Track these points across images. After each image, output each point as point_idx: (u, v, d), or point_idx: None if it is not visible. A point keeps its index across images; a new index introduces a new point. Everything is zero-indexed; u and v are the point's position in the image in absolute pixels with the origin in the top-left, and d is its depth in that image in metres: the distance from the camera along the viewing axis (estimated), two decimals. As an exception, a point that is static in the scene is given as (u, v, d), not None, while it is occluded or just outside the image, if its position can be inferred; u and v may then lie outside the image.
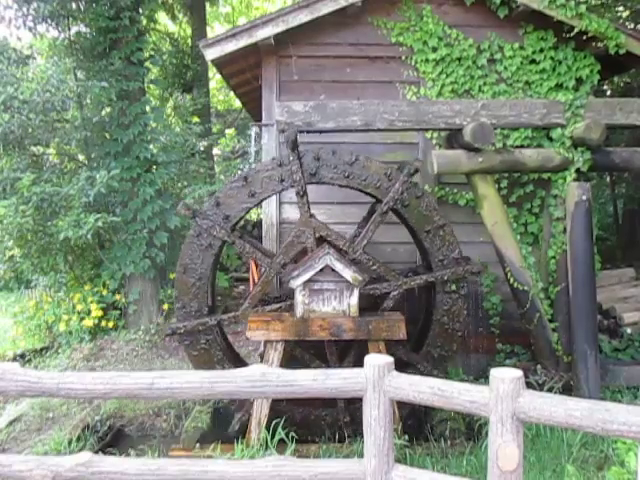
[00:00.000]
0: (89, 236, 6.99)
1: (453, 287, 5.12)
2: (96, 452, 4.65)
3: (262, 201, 5.39)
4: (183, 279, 5.05)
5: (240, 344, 7.58)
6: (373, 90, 6.48)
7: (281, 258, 5.05)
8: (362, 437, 4.82)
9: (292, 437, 4.60)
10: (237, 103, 16.01)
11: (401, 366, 4.00)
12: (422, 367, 5.10)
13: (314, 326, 4.81)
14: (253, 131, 7.37)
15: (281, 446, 4.58)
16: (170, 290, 8.24)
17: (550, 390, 5.21)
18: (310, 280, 4.77)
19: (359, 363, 2.97)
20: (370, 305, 5.19)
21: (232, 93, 11.95)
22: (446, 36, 6.38)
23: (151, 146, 8.13)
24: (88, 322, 7.75)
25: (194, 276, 5.03)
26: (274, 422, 4.72)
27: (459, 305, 5.16)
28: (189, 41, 14.48)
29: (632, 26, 10.26)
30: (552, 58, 6.34)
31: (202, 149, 11.35)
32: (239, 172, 12.07)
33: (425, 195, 5.11)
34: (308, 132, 5.35)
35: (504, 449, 2.50)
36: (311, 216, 5.04)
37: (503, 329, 6.52)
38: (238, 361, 5.52)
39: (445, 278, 5.07)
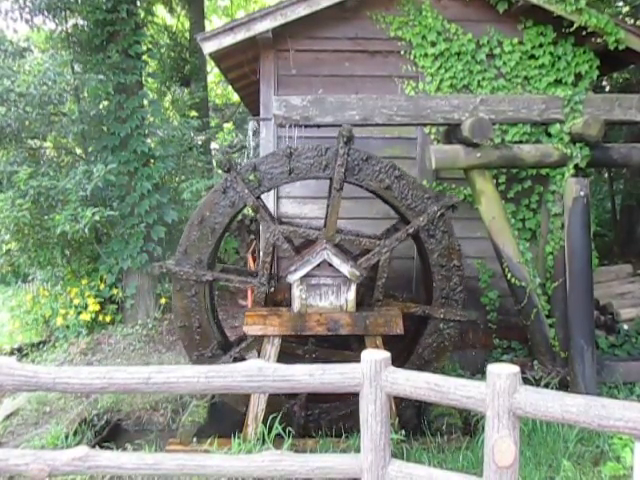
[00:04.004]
0: (86, 230, 6.97)
1: (444, 326, 5.13)
2: (93, 446, 4.69)
3: (298, 180, 5.30)
4: (196, 228, 4.98)
5: (237, 339, 7.58)
6: (371, 85, 6.45)
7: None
8: (326, 433, 4.88)
9: (289, 432, 4.61)
10: (235, 97, 15.97)
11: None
12: None
13: (311, 321, 4.81)
14: (251, 125, 7.32)
15: (278, 441, 4.58)
16: (167, 284, 8.23)
17: (547, 386, 5.23)
18: (307, 275, 4.76)
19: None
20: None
21: (230, 87, 11.91)
22: (445, 31, 6.35)
23: (148, 140, 8.11)
24: (85, 316, 7.75)
25: (207, 228, 4.98)
26: (271, 417, 4.72)
27: (444, 346, 5.18)
28: (187, 34, 14.42)
29: (632, 22, 10.24)
30: (551, 53, 6.32)
31: (200, 143, 11.32)
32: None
33: (451, 232, 5.07)
34: (306, 126, 5.33)
35: (500, 444, 2.51)
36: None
37: (500, 324, 6.52)
38: (217, 325, 5.49)
39: (440, 316, 5.09)
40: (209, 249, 5.02)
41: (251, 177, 4.97)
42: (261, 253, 5.21)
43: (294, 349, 5.20)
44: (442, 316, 5.09)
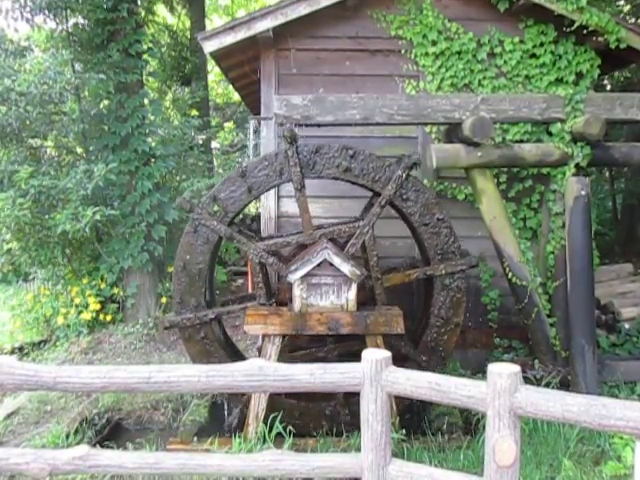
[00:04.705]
0: (87, 229, 6.97)
1: (450, 280, 5.10)
2: (94, 445, 4.66)
3: (261, 194, 5.34)
4: (182, 274, 5.03)
5: (238, 338, 7.59)
6: (372, 84, 6.44)
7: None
8: (359, 431, 4.86)
9: (290, 431, 4.60)
10: (236, 96, 15.96)
11: (400, 360, 4.02)
12: (421, 361, 5.10)
13: (312, 320, 4.80)
14: (252, 124, 7.33)
15: (279, 440, 4.58)
16: (168, 283, 8.24)
17: (547, 385, 5.22)
18: (308, 274, 4.75)
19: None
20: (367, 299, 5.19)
21: (231, 86, 11.92)
22: (446, 29, 6.34)
23: (149, 139, 8.11)
24: (86, 315, 7.75)
25: (193, 271, 5.02)
26: (272, 416, 4.72)
27: (457, 299, 5.12)
28: (188, 34, 14.43)
29: (633, 20, 10.23)
30: (552, 52, 6.31)
31: (201, 142, 11.34)
32: (237, 165, 12.03)
33: (424, 189, 5.08)
34: (307, 126, 5.33)
35: (501, 444, 2.50)
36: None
37: (501, 324, 6.52)
38: (236, 356, 5.51)
39: (442, 272, 5.06)
40: (202, 289, 5.05)
41: (215, 208, 4.99)
42: (251, 275, 5.21)
43: (315, 353, 5.18)
44: (444, 272, 5.05)
